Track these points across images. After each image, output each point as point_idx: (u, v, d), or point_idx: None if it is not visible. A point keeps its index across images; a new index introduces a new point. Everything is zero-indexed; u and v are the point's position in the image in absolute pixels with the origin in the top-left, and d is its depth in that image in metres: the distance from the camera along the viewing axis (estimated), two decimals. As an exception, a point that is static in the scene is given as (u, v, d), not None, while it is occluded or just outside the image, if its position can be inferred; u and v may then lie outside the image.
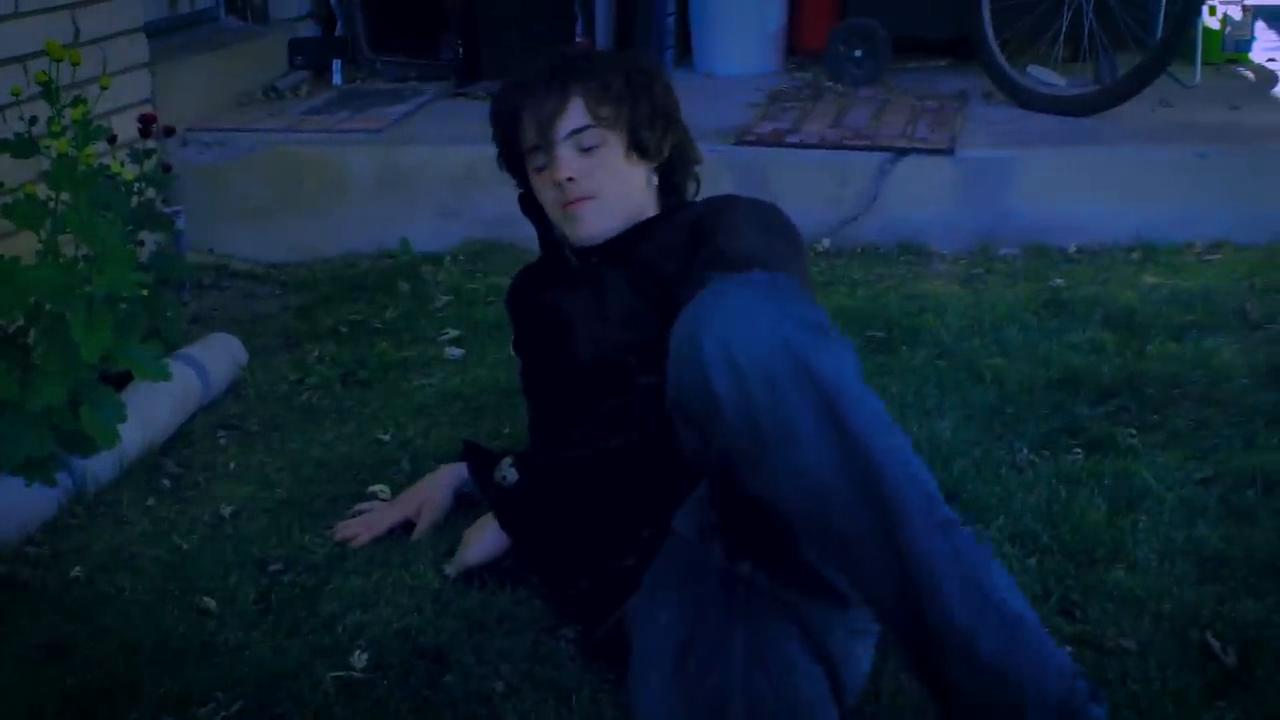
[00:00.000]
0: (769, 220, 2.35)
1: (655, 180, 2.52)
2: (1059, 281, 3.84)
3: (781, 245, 2.28)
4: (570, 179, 2.39)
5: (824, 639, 1.82)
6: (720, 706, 1.71)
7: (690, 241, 2.30)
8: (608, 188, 2.43)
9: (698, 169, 2.61)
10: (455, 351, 3.44)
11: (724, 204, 2.41)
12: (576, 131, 2.41)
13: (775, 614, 1.80)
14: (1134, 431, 2.87)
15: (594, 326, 2.36)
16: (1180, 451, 2.77)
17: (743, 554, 1.81)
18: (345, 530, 2.51)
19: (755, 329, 1.69)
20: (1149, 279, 3.86)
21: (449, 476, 2.56)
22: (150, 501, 2.70)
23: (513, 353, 2.69)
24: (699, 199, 2.57)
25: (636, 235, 2.44)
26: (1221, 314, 3.53)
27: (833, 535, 1.69)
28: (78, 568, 2.44)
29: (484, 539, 2.34)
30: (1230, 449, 2.79)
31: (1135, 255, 4.08)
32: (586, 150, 2.41)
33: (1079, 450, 2.80)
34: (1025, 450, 2.79)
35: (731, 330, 1.69)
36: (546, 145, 2.41)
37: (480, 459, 2.48)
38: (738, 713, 1.71)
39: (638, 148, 2.46)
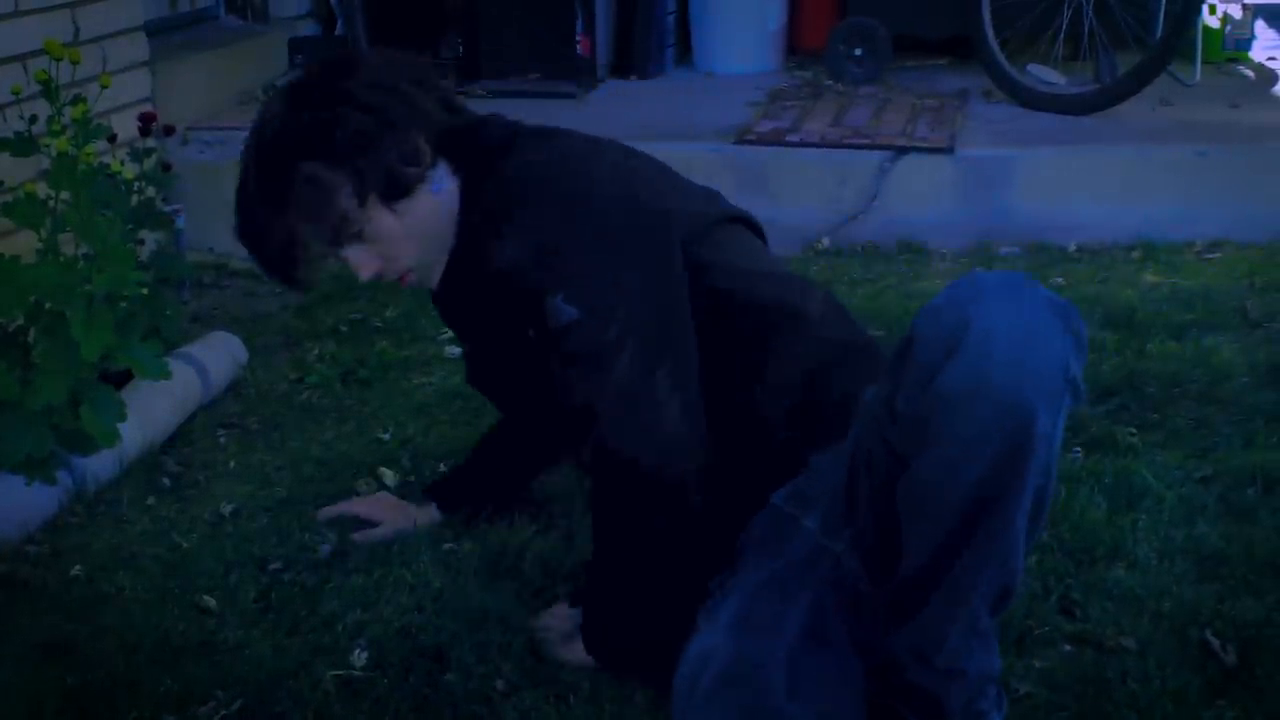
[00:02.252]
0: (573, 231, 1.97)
1: (436, 182, 2.04)
2: (1059, 280, 3.84)
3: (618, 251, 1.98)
4: (378, 276, 2.08)
5: (872, 637, 1.82)
6: (761, 665, 1.74)
7: (514, 306, 2.03)
8: (409, 253, 2.07)
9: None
10: (455, 350, 3.43)
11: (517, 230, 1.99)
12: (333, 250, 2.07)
13: (843, 595, 1.82)
14: (1134, 430, 2.87)
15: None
16: (1180, 450, 2.78)
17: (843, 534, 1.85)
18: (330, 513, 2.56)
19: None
20: (1149, 278, 3.86)
21: (422, 516, 2.54)
22: (150, 500, 2.70)
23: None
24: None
25: (455, 296, 2.20)
26: (1221, 313, 3.53)
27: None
28: (78, 566, 2.44)
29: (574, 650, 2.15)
30: (1230, 448, 2.79)
31: (1135, 254, 4.08)
32: (363, 242, 2.04)
33: (1079, 449, 2.80)
34: (1025, 448, 2.79)
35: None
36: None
37: (451, 496, 2.54)
38: (777, 677, 1.72)
39: (395, 196, 2.02)
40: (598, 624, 2.08)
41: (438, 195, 2.04)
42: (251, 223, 2.07)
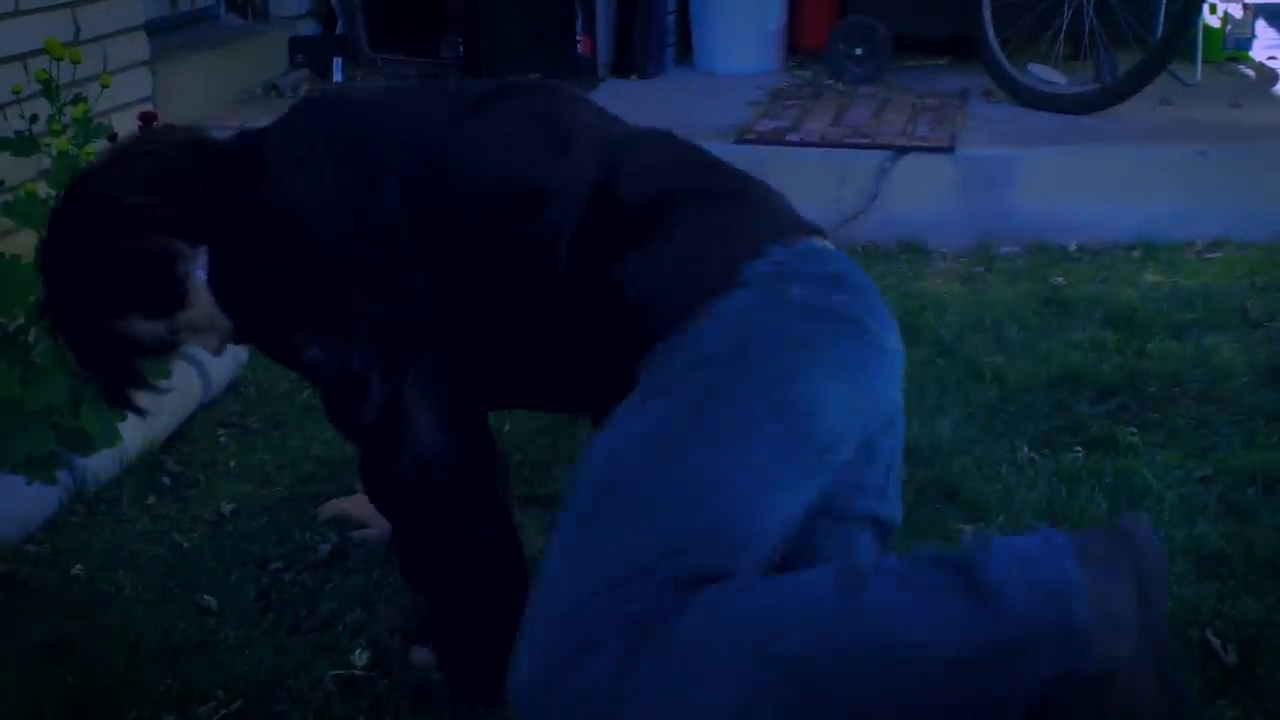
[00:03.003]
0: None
1: (199, 266, 1.92)
2: (1059, 280, 3.84)
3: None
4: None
5: None
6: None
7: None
8: (224, 327, 2.00)
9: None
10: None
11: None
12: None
13: None
14: (1134, 430, 2.87)
15: None
16: (1180, 450, 2.78)
17: None
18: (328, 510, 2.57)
19: None
20: (1149, 277, 3.86)
21: None
22: (151, 500, 2.70)
23: None
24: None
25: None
26: (1222, 312, 3.53)
27: None
28: (78, 566, 2.44)
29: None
30: (1230, 447, 2.79)
31: (1136, 253, 4.07)
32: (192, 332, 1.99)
33: (1079, 448, 2.80)
34: (1025, 448, 2.79)
35: None
36: None
37: None
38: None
39: (173, 307, 1.94)
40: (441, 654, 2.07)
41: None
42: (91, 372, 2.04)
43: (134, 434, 2.77)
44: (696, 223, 1.82)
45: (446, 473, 1.90)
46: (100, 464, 2.71)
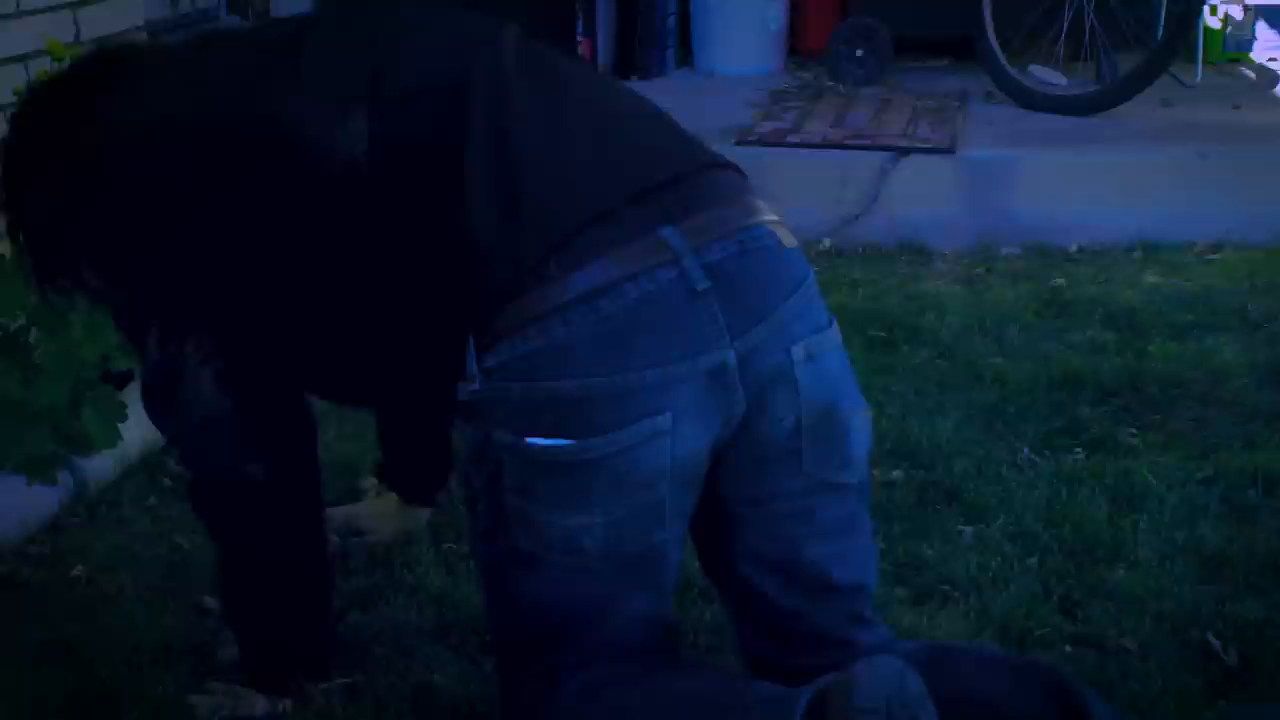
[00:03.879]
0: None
1: None
2: (1060, 281, 3.83)
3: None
4: None
5: None
6: None
7: None
8: None
9: None
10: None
11: None
12: None
13: None
14: (1135, 431, 2.87)
15: None
16: (1181, 451, 2.78)
17: None
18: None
19: None
20: (1150, 278, 3.86)
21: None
22: (151, 500, 2.70)
23: None
24: None
25: None
26: (1222, 313, 3.53)
27: None
28: (79, 567, 2.44)
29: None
30: (1231, 448, 2.79)
31: (1136, 255, 4.07)
32: None
33: (1080, 450, 2.80)
34: (1026, 450, 2.79)
35: None
36: None
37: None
38: None
39: None
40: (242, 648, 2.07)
41: None
42: None
43: (135, 435, 2.77)
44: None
45: (231, 436, 1.86)
46: (101, 465, 2.71)
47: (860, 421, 1.78)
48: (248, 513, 1.92)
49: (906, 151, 4.32)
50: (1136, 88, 4.57)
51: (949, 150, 4.31)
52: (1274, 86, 5.13)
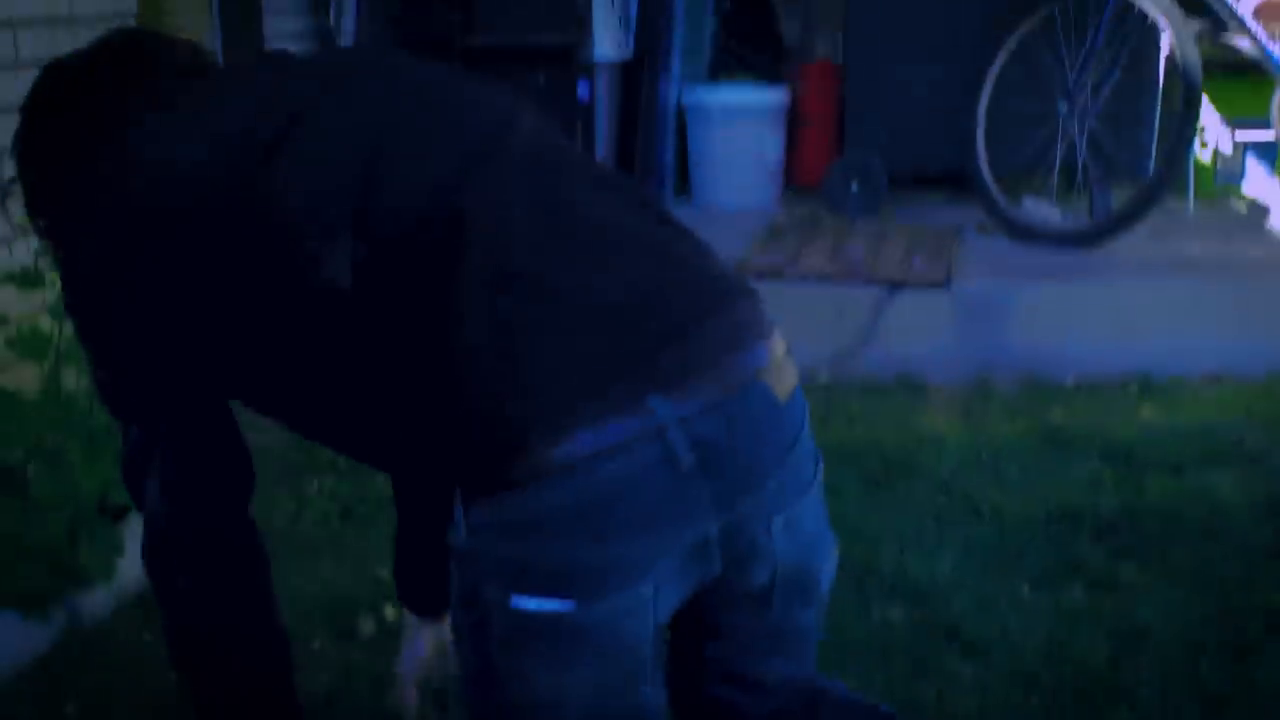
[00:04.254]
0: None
1: None
2: (1057, 415, 3.84)
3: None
4: None
5: None
6: None
7: None
8: None
9: None
10: (454, 484, 3.43)
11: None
12: None
13: None
14: (1135, 568, 2.87)
15: None
16: (1181, 588, 2.77)
17: None
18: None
19: None
20: (1147, 412, 3.87)
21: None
22: (146, 636, 2.68)
23: None
24: None
25: None
26: (1220, 447, 3.54)
27: None
28: (71, 704, 2.42)
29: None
30: (1232, 585, 2.78)
31: (1132, 388, 4.09)
32: None
33: (1079, 586, 2.79)
34: (1025, 587, 2.78)
35: None
36: None
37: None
38: None
39: None
40: None
41: None
42: None
43: (130, 569, 2.76)
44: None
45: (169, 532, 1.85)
46: (96, 599, 2.70)
47: (830, 564, 1.77)
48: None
49: (902, 285, 4.36)
50: (1129, 221, 4.62)
51: (945, 284, 4.34)
52: (1265, 220, 5.18)
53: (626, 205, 1.72)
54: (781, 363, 1.68)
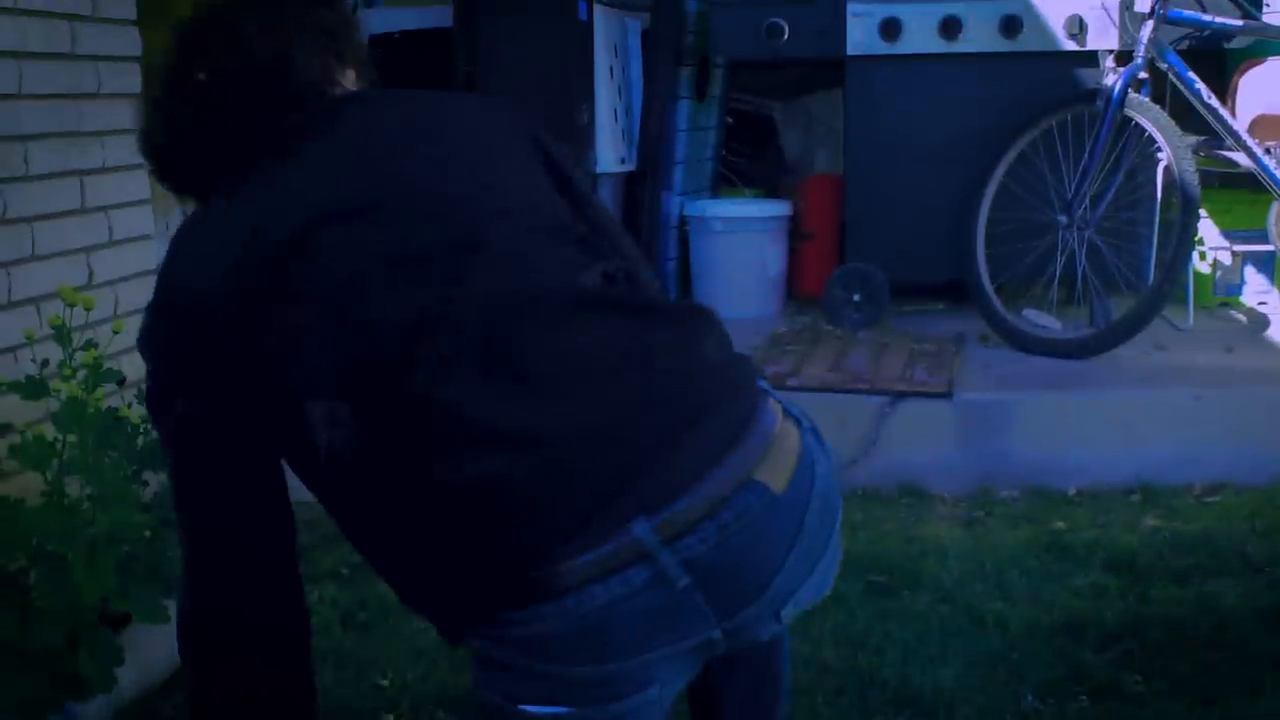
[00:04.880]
0: None
1: None
2: (1059, 524, 3.84)
3: None
4: None
5: None
6: None
7: None
8: None
9: None
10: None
11: None
12: None
13: None
14: (1139, 678, 2.85)
15: None
16: (1186, 698, 2.75)
17: None
18: None
19: None
20: (1149, 521, 3.86)
21: None
22: (144, 746, 2.67)
23: None
24: None
25: None
26: (1223, 556, 3.53)
27: None
28: (68, 815, 2.40)
29: None
30: (1236, 696, 2.77)
31: (1135, 497, 4.08)
32: None
33: (1084, 697, 2.77)
34: (1030, 697, 2.77)
35: None
36: None
37: None
38: None
39: None
40: None
41: None
42: None
43: (130, 678, 2.75)
44: None
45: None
46: (95, 709, 2.68)
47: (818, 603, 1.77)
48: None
49: (904, 395, 4.37)
50: (1130, 331, 4.64)
51: (946, 394, 4.36)
52: (1265, 330, 5.20)
53: (613, 311, 1.67)
54: (778, 444, 1.64)
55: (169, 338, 1.71)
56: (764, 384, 1.74)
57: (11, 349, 3.22)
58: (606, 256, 1.74)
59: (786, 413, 1.70)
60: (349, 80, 1.84)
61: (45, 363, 2.87)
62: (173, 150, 1.82)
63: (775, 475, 1.61)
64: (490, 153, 1.78)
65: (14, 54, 3.35)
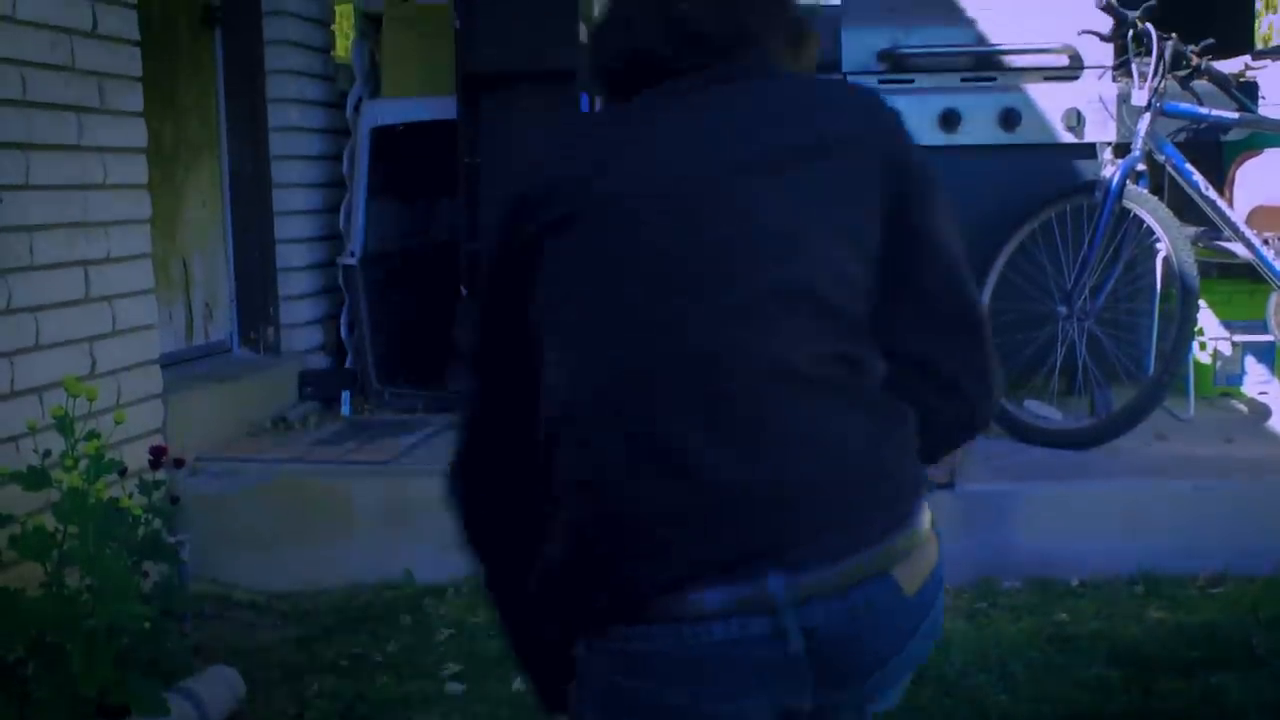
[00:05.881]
0: None
1: None
2: (1063, 615, 3.82)
3: None
4: None
5: None
6: None
7: None
8: None
9: None
10: (456, 686, 3.40)
11: None
12: None
13: None
14: (1145, 772, 2.83)
15: None
16: (1192, 793, 2.73)
17: None
18: None
19: None
20: (1153, 613, 3.84)
21: None
22: (140, 841, 2.64)
23: None
24: None
25: None
26: (1228, 648, 3.51)
27: None
28: None
29: None
30: (1244, 791, 2.74)
31: (1138, 588, 4.07)
32: None
33: (1090, 791, 2.75)
34: (1034, 791, 2.74)
35: None
36: None
37: None
38: None
39: None
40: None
41: None
42: None
43: (127, 772, 2.73)
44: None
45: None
46: (91, 803, 2.66)
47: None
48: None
49: (906, 484, 4.36)
50: (1131, 422, 4.64)
51: (948, 485, 4.35)
52: (1266, 420, 5.20)
53: (822, 388, 1.67)
54: (920, 550, 1.75)
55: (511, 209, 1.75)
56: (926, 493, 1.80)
57: (13, 438, 3.23)
58: (846, 338, 1.72)
59: (932, 525, 1.79)
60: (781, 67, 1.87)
61: (47, 453, 2.87)
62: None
63: (910, 578, 1.69)
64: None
65: (21, 145, 3.38)
